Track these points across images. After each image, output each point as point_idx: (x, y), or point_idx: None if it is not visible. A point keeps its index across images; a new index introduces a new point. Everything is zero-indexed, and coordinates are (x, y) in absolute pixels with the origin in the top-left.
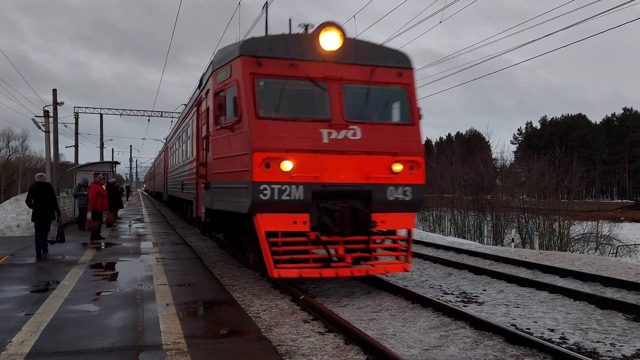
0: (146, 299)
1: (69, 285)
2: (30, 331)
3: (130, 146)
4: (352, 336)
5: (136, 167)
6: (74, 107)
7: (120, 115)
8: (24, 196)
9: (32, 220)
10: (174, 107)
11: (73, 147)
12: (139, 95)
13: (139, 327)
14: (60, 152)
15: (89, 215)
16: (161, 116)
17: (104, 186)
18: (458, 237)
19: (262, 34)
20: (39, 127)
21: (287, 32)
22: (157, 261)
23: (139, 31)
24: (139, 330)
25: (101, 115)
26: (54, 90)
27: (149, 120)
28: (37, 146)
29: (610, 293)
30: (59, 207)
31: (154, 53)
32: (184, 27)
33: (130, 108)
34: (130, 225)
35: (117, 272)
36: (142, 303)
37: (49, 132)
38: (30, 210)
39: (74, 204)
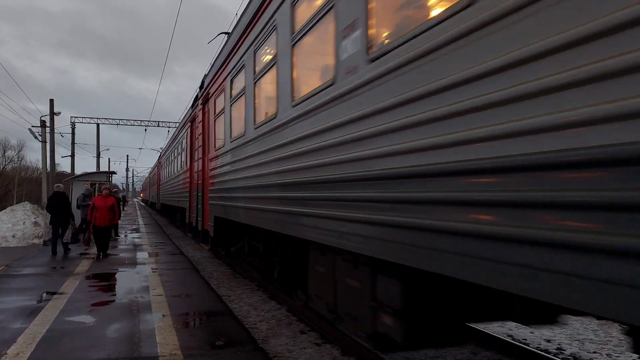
0: (142, 309)
1: (65, 296)
2: (26, 342)
3: (127, 156)
4: (349, 348)
5: (132, 176)
6: (71, 117)
7: (117, 125)
8: (20, 206)
9: (49, 224)
10: (164, 115)
11: (69, 157)
12: (126, 103)
13: (135, 338)
14: (56, 161)
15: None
16: (158, 126)
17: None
18: None
19: None
20: (36, 137)
21: None
22: (154, 271)
23: (120, 38)
24: (135, 341)
25: (98, 125)
26: (51, 101)
27: (145, 130)
28: (33, 156)
29: None
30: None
31: (138, 60)
32: (169, 34)
33: (118, 117)
34: (126, 236)
35: (113, 283)
36: (138, 314)
37: (45, 142)
38: (26, 220)
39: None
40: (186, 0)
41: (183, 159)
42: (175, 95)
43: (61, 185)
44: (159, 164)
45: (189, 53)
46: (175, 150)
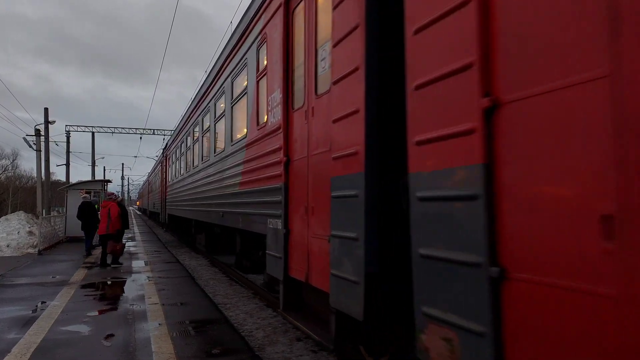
0: (138, 318)
1: (60, 305)
2: (20, 353)
3: (122, 164)
4: (346, 355)
5: (128, 185)
6: (66, 125)
7: (112, 133)
8: (14, 215)
9: (81, 230)
10: (153, 122)
11: (64, 166)
12: (113, 110)
13: (131, 347)
14: (51, 170)
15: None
16: (153, 134)
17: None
18: None
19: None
20: (31, 146)
21: None
22: (149, 280)
23: (100, 44)
24: (130, 351)
25: (93, 133)
26: (46, 110)
27: (141, 138)
28: (27, 165)
29: None
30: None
31: (120, 66)
32: (149, 39)
33: (107, 124)
34: None
35: (109, 292)
36: (133, 323)
37: (40, 150)
38: (21, 230)
39: (64, 223)
40: (166, 6)
41: (249, 113)
42: (163, 102)
43: (88, 195)
44: (164, 159)
45: (172, 59)
46: (205, 117)
